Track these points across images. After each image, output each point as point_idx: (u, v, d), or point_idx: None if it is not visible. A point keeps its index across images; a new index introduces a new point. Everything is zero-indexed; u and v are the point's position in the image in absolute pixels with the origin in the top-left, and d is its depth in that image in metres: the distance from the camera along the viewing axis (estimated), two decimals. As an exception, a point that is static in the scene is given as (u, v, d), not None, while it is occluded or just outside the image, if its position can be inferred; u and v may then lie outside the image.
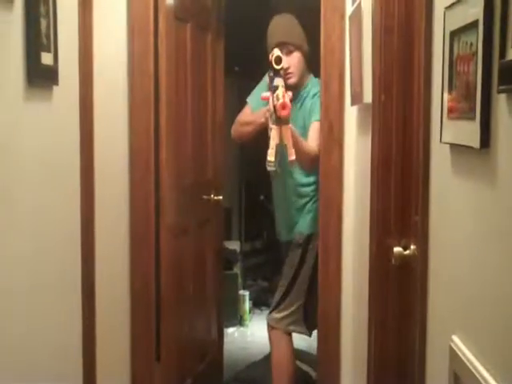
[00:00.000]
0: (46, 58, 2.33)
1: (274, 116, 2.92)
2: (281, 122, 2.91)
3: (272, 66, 3.03)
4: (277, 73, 3.03)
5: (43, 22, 2.30)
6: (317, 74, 3.43)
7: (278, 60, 3.03)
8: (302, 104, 3.58)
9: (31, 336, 2.30)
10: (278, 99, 2.87)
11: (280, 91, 2.90)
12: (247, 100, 3.78)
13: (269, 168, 2.91)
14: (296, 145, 3.18)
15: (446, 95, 1.47)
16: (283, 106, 2.84)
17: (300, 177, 3.55)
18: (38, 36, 2.25)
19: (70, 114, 2.78)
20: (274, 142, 2.90)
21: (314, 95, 3.41)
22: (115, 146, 3.22)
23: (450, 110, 1.44)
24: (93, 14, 3.02)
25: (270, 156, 2.89)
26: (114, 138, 3.21)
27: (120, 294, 3.28)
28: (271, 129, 2.94)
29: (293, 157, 2.95)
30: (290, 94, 2.97)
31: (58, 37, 2.45)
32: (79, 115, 2.85)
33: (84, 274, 2.90)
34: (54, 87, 2.47)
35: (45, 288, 2.43)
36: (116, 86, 3.21)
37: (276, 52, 3.08)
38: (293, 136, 3.10)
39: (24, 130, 2.23)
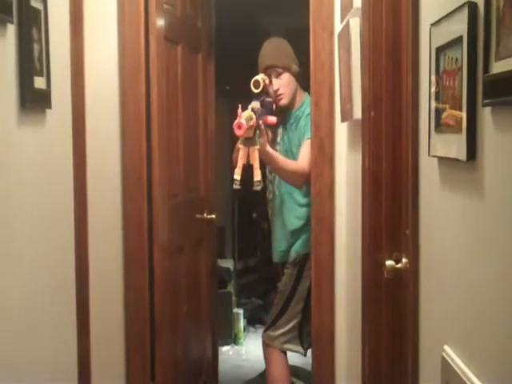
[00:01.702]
0: (39, 82, 2.36)
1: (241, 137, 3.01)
2: (247, 143, 3.01)
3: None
4: (256, 96, 3.18)
5: (36, 47, 2.33)
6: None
7: (257, 84, 3.24)
8: (297, 124, 3.63)
9: (24, 357, 2.30)
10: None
11: (242, 112, 2.98)
12: None
13: (234, 186, 3.00)
14: (274, 165, 3.35)
15: (433, 109, 1.51)
16: (238, 126, 2.92)
17: (299, 197, 3.57)
18: (30, 61, 2.28)
19: (63, 137, 2.81)
20: (240, 161, 2.99)
21: (309, 114, 3.46)
22: (108, 167, 3.24)
23: (437, 124, 1.47)
24: (84, 37, 3.05)
25: (236, 175, 2.99)
26: (107, 158, 3.23)
27: (114, 313, 3.28)
28: (238, 149, 3.03)
29: (258, 177, 3.02)
30: (272, 118, 3.06)
31: (51, 61, 2.48)
32: (72, 137, 2.88)
33: (78, 294, 2.91)
34: (47, 110, 2.49)
35: (38, 307, 2.44)
36: (108, 108, 3.23)
37: (256, 77, 3.26)
38: (269, 157, 3.25)
39: (17, 154, 2.24)
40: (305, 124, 3.55)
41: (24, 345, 2.28)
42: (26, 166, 2.31)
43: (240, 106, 3.01)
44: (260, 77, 3.27)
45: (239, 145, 3.03)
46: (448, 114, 1.40)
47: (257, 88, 3.21)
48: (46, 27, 2.45)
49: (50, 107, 2.49)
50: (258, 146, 3.03)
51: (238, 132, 2.93)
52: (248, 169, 3.01)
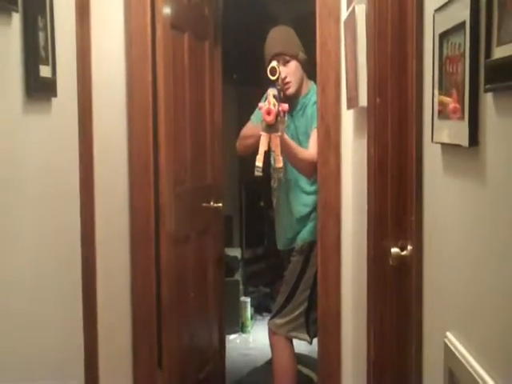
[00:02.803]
0: (45, 71, 2.36)
1: (263, 123, 2.98)
2: (269, 129, 2.98)
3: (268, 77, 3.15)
4: (272, 83, 3.15)
5: (41, 35, 2.34)
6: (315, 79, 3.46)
7: (274, 71, 3.17)
8: (303, 111, 3.64)
9: (31, 347, 2.32)
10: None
11: (270, 98, 2.99)
12: (251, 117, 3.83)
13: (256, 173, 2.97)
14: (289, 152, 3.31)
15: (436, 96, 1.50)
16: (268, 112, 2.92)
17: (306, 185, 3.57)
18: (36, 49, 2.28)
19: (69, 125, 2.81)
20: (262, 148, 2.96)
21: (315, 102, 3.46)
22: (114, 155, 3.25)
23: (440, 111, 1.47)
24: (90, 25, 3.05)
25: (258, 161, 2.96)
26: (113, 147, 3.24)
27: (121, 301, 3.29)
28: (261, 135, 3.00)
29: (280, 164, 3.03)
30: (285, 105, 3.04)
31: (56, 49, 2.48)
32: (78, 126, 2.88)
33: (85, 283, 2.92)
34: (53, 99, 2.50)
35: (45, 297, 2.45)
36: (114, 96, 3.23)
37: (272, 63, 3.22)
38: (285, 144, 3.21)
39: (23, 142, 2.25)
40: (311, 112, 3.56)
41: (29, 333, 2.29)
42: (31, 154, 2.32)
43: (272, 93, 3.05)
44: (275, 63, 3.24)
45: (261, 132, 3.00)
46: (451, 100, 1.39)
47: (274, 75, 3.17)
48: (51, 15, 2.45)
49: (55, 96, 2.49)
50: (279, 133, 3.03)
51: (268, 118, 2.93)
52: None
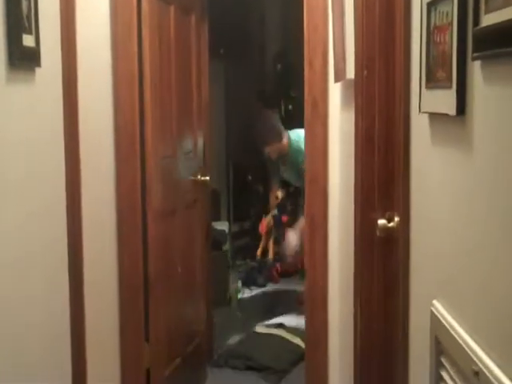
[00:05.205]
0: (28, 40, 2.34)
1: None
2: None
3: None
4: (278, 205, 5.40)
5: (24, 4, 2.31)
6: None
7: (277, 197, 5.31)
8: (293, 159, 4.87)
9: (18, 318, 2.32)
10: None
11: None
12: None
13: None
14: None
15: (423, 66, 1.49)
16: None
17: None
18: (19, 18, 2.26)
19: (54, 95, 2.78)
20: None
21: (297, 149, 4.71)
22: (100, 127, 3.22)
23: (428, 81, 1.47)
24: (75, -6, 3.02)
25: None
26: (99, 118, 3.21)
27: (108, 276, 3.29)
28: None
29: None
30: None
31: (40, 18, 2.45)
32: (63, 97, 2.85)
33: (71, 258, 2.91)
34: (37, 69, 2.47)
35: (31, 271, 2.44)
36: (100, 66, 3.20)
37: (277, 194, 5.36)
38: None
39: (7, 112, 2.23)
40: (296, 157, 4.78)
41: (17, 311, 2.29)
42: (15, 124, 2.30)
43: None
44: (280, 194, 5.19)
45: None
46: (438, 69, 1.39)
47: (277, 198, 5.27)
48: (34, -16, 2.41)
49: (39, 65, 2.46)
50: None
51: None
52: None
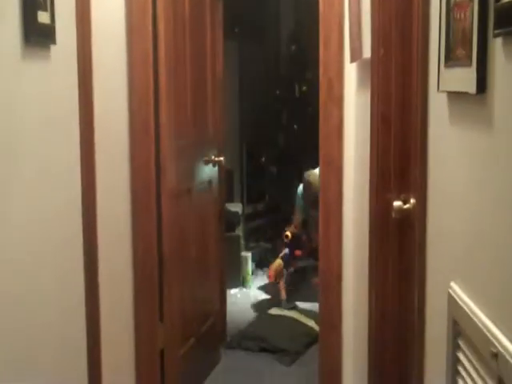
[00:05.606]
0: (43, 17, 2.32)
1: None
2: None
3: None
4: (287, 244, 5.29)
5: (39, -20, 2.29)
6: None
7: (287, 236, 5.24)
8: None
9: (36, 302, 2.32)
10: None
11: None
12: None
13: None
14: None
15: (443, 43, 1.47)
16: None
17: None
18: (34, -5, 2.24)
19: (69, 73, 2.76)
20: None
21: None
22: (114, 106, 3.20)
23: (447, 59, 1.44)
24: (90, -28, 2.99)
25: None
26: (113, 97, 3.20)
27: (123, 257, 3.28)
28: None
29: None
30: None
31: (55, -5, 2.43)
32: (78, 74, 2.83)
33: (86, 239, 2.90)
34: (52, 46, 2.45)
35: (46, 256, 2.44)
36: (114, 45, 3.18)
37: (287, 232, 5.26)
38: None
39: (22, 88, 2.22)
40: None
41: (31, 287, 2.29)
42: (30, 101, 2.29)
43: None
44: (289, 231, 5.21)
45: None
46: (458, 47, 1.36)
47: (287, 238, 5.24)
48: (50, -40, 2.39)
49: (54, 43, 2.44)
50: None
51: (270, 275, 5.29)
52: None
